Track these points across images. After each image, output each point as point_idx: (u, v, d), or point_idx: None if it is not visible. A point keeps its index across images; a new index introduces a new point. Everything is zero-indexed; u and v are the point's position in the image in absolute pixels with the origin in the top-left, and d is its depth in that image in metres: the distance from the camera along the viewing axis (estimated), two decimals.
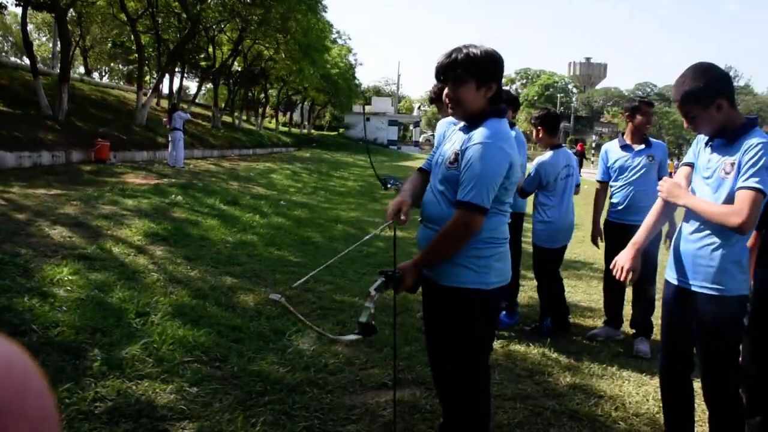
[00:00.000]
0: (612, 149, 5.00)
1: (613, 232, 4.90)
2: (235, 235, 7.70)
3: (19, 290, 4.42)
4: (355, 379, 3.76)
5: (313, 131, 58.10)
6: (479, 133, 2.24)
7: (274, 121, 52.06)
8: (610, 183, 4.97)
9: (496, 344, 4.63)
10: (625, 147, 4.87)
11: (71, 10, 23.05)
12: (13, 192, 8.66)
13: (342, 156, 36.58)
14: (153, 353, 3.74)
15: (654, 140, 4.87)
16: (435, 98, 4.42)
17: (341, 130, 64.01)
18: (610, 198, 4.99)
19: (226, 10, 26.18)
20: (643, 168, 4.73)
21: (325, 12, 33.72)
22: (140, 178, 12.87)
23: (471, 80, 2.26)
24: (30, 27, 31.38)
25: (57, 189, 9.57)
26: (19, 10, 21.18)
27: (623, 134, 4.94)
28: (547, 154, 4.94)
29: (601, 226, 5.15)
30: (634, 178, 4.76)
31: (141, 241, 6.55)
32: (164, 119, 18.24)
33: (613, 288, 5.08)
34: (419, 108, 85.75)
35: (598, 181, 5.19)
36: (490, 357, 2.60)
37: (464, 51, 2.26)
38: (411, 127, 72.19)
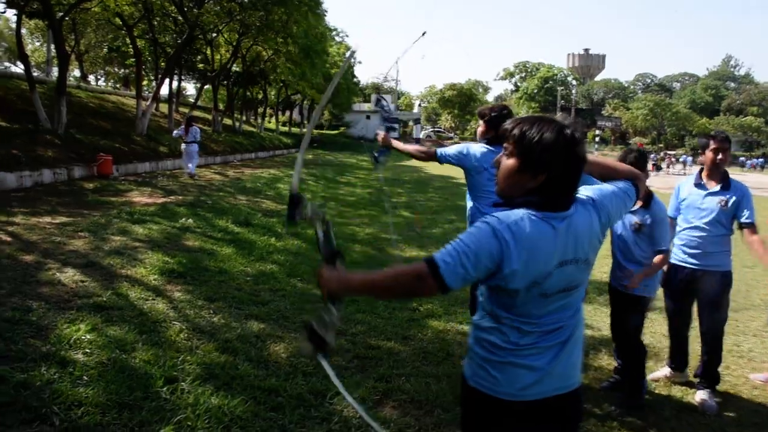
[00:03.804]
0: (684, 186, 4.61)
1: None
2: (253, 265, 7.31)
3: (35, 357, 4.04)
4: None
5: (313, 131, 57.65)
6: None
7: (273, 120, 51.67)
8: (678, 221, 4.59)
9: None
10: (699, 185, 4.46)
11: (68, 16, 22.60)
12: (17, 223, 8.27)
13: (345, 157, 36.27)
14: None
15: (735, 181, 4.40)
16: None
17: (342, 129, 63.66)
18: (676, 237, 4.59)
19: (224, 13, 25.72)
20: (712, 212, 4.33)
21: (325, 15, 33.39)
22: (146, 196, 12.47)
23: None
24: (23, 31, 30.80)
25: (62, 216, 9.16)
26: (11, 15, 20.72)
27: (701, 171, 4.50)
28: None
29: None
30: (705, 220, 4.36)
31: (157, 281, 6.16)
32: (179, 129, 17.74)
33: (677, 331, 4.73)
34: (419, 104, 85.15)
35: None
36: None
37: None
38: (411, 123, 71.81)
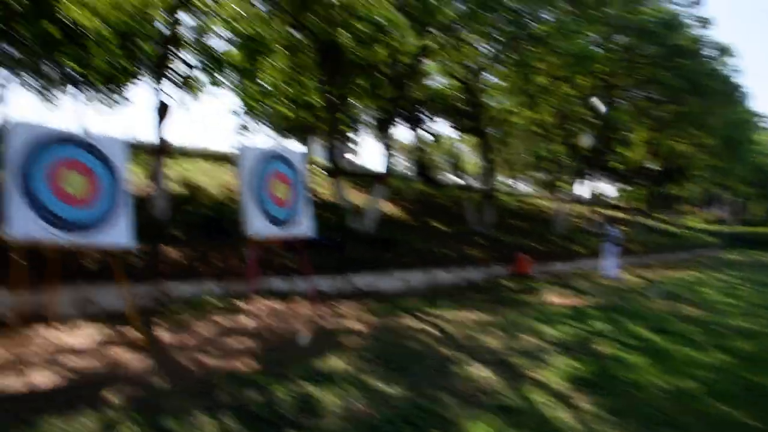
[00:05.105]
0: None
1: None
2: (669, 380, 6.62)
3: None
4: None
5: (741, 227, 51.76)
6: None
7: (694, 218, 48.24)
8: None
9: None
10: None
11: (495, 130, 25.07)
12: (442, 316, 9.13)
13: None
14: None
15: None
16: None
17: None
18: None
19: (637, 111, 25.46)
20: None
21: (745, 101, 30.42)
22: (559, 296, 12.59)
23: None
24: (461, 146, 35.60)
25: (481, 312, 9.82)
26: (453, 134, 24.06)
27: None
28: None
29: None
30: None
31: (563, 387, 6.01)
32: (603, 227, 18.42)
33: None
34: None
35: None
36: None
37: None
38: None
